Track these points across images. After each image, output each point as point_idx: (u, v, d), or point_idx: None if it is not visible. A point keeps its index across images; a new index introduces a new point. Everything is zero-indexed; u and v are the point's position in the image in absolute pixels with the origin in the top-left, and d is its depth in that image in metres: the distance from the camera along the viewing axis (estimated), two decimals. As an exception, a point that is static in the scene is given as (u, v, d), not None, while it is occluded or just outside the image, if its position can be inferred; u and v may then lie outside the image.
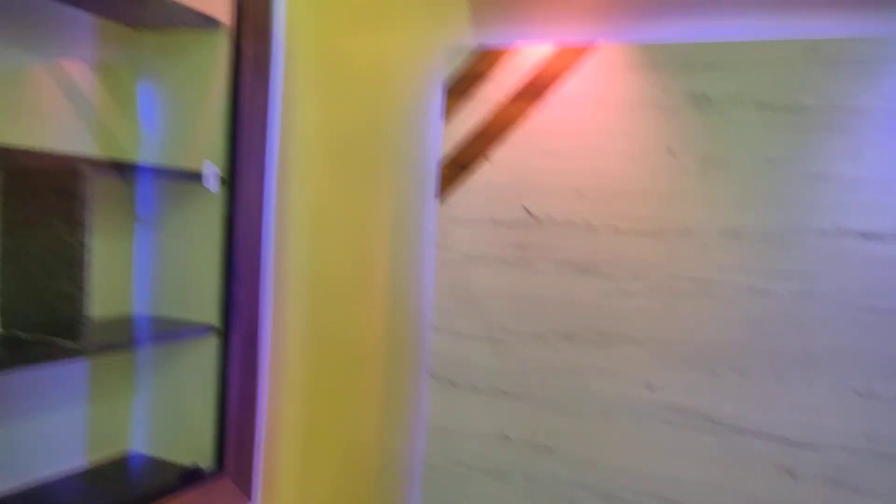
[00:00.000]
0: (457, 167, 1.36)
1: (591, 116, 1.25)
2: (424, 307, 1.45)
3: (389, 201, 1.49)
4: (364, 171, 1.51)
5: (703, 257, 1.16)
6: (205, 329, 1.41)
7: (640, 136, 1.21)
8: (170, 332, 1.36)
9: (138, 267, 1.50)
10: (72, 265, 1.07)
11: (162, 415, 1.45)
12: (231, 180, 1.41)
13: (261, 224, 1.50)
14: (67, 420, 1.29)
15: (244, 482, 1.44)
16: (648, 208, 1.20)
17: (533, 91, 1.29)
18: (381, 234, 1.50)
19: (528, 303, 1.30)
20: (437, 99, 1.43)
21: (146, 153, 1.48)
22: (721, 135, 1.14)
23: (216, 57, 1.40)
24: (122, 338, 1.25)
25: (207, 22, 1.37)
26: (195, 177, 1.39)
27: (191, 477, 1.31)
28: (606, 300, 1.24)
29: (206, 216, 1.43)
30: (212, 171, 1.40)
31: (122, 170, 1.33)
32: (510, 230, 1.32)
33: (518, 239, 1.31)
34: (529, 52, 1.29)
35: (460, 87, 1.35)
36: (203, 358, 1.45)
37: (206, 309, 1.44)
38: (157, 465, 1.39)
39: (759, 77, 1.12)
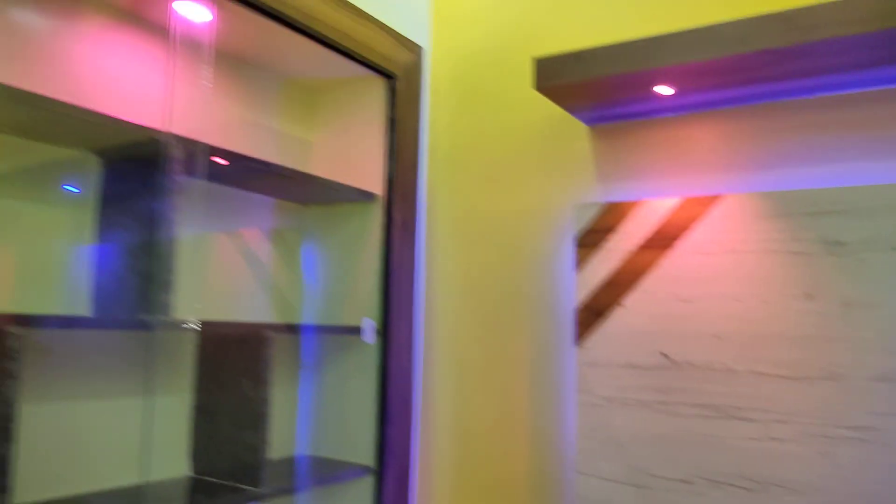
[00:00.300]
0: (592, 314, 1.43)
1: (722, 263, 1.29)
2: (567, 450, 1.48)
3: (528, 347, 1.58)
4: (503, 319, 1.62)
5: (856, 402, 1.13)
6: (362, 470, 1.52)
7: (774, 281, 1.23)
8: (333, 474, 1.48)
9: (301, 411, 1.66)
10: (256, 418, 1.23)
11: (323, 555, 1.54)
12: (385, 332, 1.56)
13: (411, 371, 1.63)
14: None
15: None
16: (791, 352, 1.20)
17: (662, 241, 1.36)
18: (521, 379, 1.58)
19: (671, 446, 1.30)
20: (568, 250, 1.53)
21: (312, 311, 1.68)
22: (860, 278, 1.14)
23: (371, 223, 1.61)
24: (292, 481, 1.37)
25: (365, 196, 1.58)
26: (354, 331, 1.56)
27: None
28: (755, 445, 1.22)
29: (363, 365, 1.58)
30: (369, 326, 1.56)
31: (294, 329, 1.52)
32: (649, 374, 1.35)
33: (658, 383, 1.34)
34: (655, 205, 1.38)
35: (591, 239, 1.44)
36: (359, 498, 1.55)
37: (362, 450, 1.56)
38: None
39: (893, 221, 1.12)
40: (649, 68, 1.18)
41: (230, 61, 1.47)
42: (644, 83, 1.25)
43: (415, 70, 1.67)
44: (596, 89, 1.29)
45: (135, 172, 1.17)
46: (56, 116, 0.99)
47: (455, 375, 1.69)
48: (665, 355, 1.33)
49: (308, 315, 1.69)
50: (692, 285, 1.32)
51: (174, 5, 1.20)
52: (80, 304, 1.20)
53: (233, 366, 1.33)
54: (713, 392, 1.27)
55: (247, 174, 1.37)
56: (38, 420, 1.11)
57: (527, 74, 1.65)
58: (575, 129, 1.55)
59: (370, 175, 1.62)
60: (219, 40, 1.15)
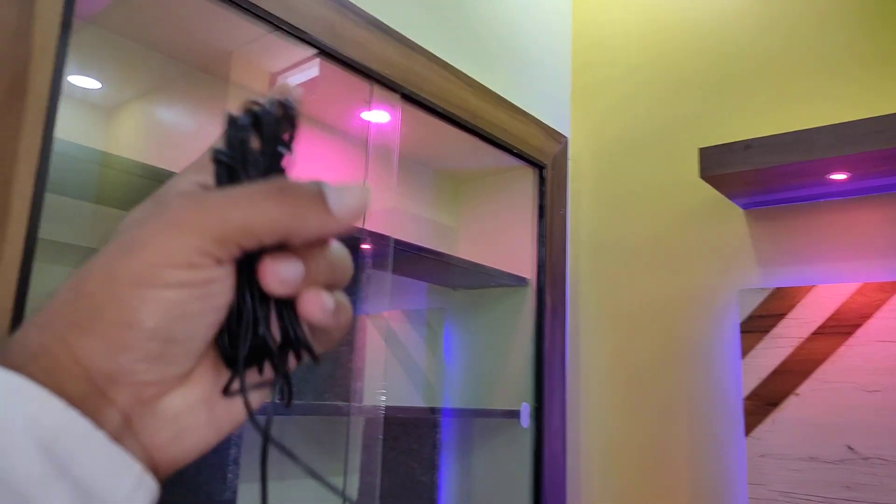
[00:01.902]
0: (763, 403, 1.38)
1: (911, 352, 1.23)
2: (741, 549, 1.41)
3: (688, 437, 1.53)
4: (658, 407, 1.59)
5: None
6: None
7: (975, 372, 1.16)
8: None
9: (449, 494, 1.66)
10: (419, 495, 1.24)
11: None
12: (538, 417, 1.56)
13: (564, 458, 1.61)
14: None
15: None
16: None
17: (839, 328, 1.31)
18: (681, 470, 1.53)
19: (866, 551, 1.22)
20: (732, 337, 1.50)
21: (463, 394, 1.70)
22: None
23: (523, 308, 1.64)
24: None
25: (518, 280, 1.62)
26: (509, 414, 1.57)
27: None
28: (968, 553, 1.12)
29: (516, 450, 1.58)
30: (525, 410, 1.57)
31: (455, 413, 1.55)
32: (834, 469, 1.28)
33: (844, 478, 1.27)
34: (830, 291, 1.34)
35: (757, 325, 1.41)
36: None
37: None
38: None
39: None
40: (826, 157, 1.18)
41: (386, 160, 1.58)
42: (818, 171, 1.25)
43: (561, 159, 1.73)
44: (764, 177, 1.29)
45: (326, 265, 1.26)
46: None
47: (607, 465, 1.66)
48: (851, 448, 1.27)
49: (459, 398, 1.71)
50: (878, 375, 1.26)
51: (363, 115, 1.31)
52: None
53: (404, 448, 1.36)
54: (911, 491, 1.20)
55: (404, 260, 1.44)
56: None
57: (672, 160, 1.67)
58: (730, 213, 1.55)
59: (520, 260, 1.66)
60: (382, 137, 1.25)
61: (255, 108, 0.31)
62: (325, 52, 1.13)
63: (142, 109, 1.16)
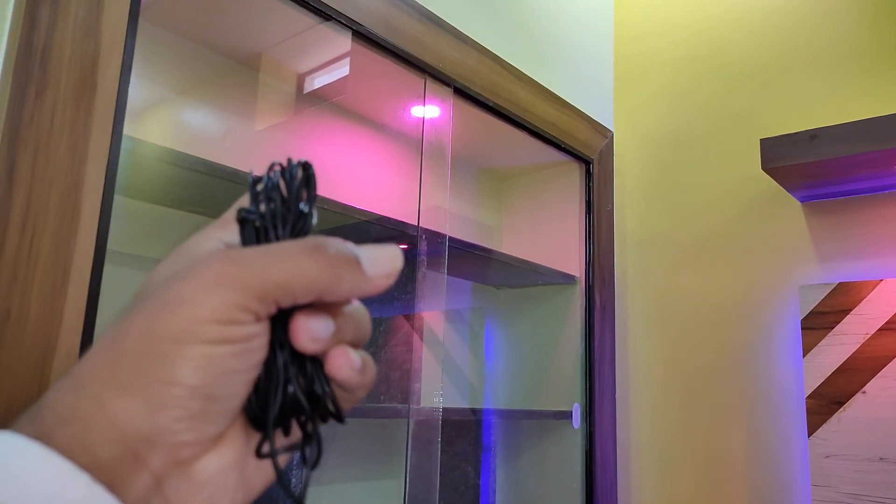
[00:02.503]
0: (827, 402, 1.34)
1: None
2: (806, 552, 1.37)
3: (745, 436, 1.49)
4: (713, 407, 1.55)
5: None
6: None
7: None
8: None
9: (504, 497, 1.63)
10: (472, 498, 1.21)
11: None
12: (589, 417, 1.53)
13: (615, 459, 1.58)
14: None
15: None
16: None
17: (909, 323, 1.27)
18: (738, 471, 1.49)
19: (943, 555, 1.17)
20: (793, 334, 1.46)
21: (511, 395, 1.66)
22: None
23: (571, 306, 1.60)
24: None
25: (566, 278, 1.59)
26: (559, 415, 1.54)
27: None
28: None
29: (567, 451, 1.55)
30: (576, 411, 1.53)
31: (505, 414, 1.52)
32: (905, 470, 1.23)
33: (917, 480, 1.22)
34: (895, 285, 1.30)
35: (820, 322, 1.37)
36: None
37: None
38: None
39: None
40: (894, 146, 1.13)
41: (438, 157, 1.55)
42: (886, 161, 1.20)
43: (607, 154, 1.69)
44: (830, 168, 1.25)
45: (380, 264, 1.23)
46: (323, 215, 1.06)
47: (660, 467, 1.62)
48: (924, 449, 1.22)
49: (507, 398, 1.68)
50: (952, 372, 1.22)
51: (415, 110, 1.28)
52: (321, 390, 1.25)
53: (457, 451, 1.34)
54: None
55: (451, 258, 1.42)
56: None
57: (723, 153, 1.63)
58: (787, 207, 1.51)
59: (567, 258, 1.63)
60: (433, 133, 1.22)
61: (279, 169, 0.32)
62: (380, 45, 1.10)
63: (171, 110, 1.14)
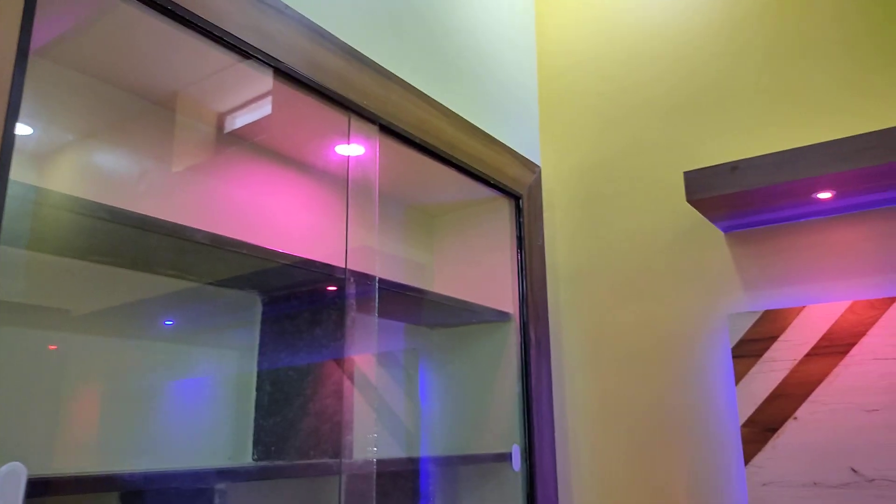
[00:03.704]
0: (761, 429, 1.35)
1: (908, 369, 1.22)
2: (751, 584, 1.36)
3: (684, 468, 1.49)
4: (652, 440, 1.54)
5: None
6: None
7: (974, 386, 1.15)
8: None
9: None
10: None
11: None
12: (529, 458, 1.49)
13: (556, 496, 1.54)
14: None
15: None
16: None
17: (833, 348, 1.30)
18: (679, 500, 1.48)
19: (880, 577, 1.18)
20: (724, 362, 1.47)
21: (447, 439, 1.61)
22: None
23: (507, 343, 1.57)
24: None
25: (501, 316, 1.56)
26: (499, 458, 1.49)
27: None
28: None
29: (507, 496, 1.50)
30: (516, 452, 1.49)
31: (444, 461, 1.46)
32: (838, 493, 1.25)
33: (849, 503, 1.24)
34: (821, 311, 1.33)
35: (749, 350, 1.39)
36: None
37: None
38: None
39: None
40: (815, 175, 1.17)
41: (364, 195, 1.51)
42: (805, 191, 1.24)
43: (536, 188, 1.69)
44: (751, 198, 1.28)
45: (303, 308, 1.17)
46: (231, 257, 1.00)
47: (601, 503, 1.59)
48: (855, 471, 1.24)
49: (444, 443, 1.62)
50: (876, 394, 1.25)
51: (337, 148, 1.24)
52: (245, 447, 1.17)
53: (389, 502, 1.27)
54: (921, 512, 1.17)
55: (381, 299, 1.37)
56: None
57: (648, 185, 1.65)
58: (710, 237, 1.53)
59: (501, 295, 1.60)
60: (359, 171, 1.18)
61: None
62: (303, 83, 1.06)
63: (79, 153, 1.05)
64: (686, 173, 1.30)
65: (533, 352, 1.56)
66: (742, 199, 1.29)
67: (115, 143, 1.05)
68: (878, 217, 1.35)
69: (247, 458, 1.16)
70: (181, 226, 0.82)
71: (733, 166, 1.25)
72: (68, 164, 1.01)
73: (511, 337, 1.58)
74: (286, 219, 1.30)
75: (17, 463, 0.62)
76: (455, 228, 1.73)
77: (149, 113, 1.11)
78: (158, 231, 0.79)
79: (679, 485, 1.48)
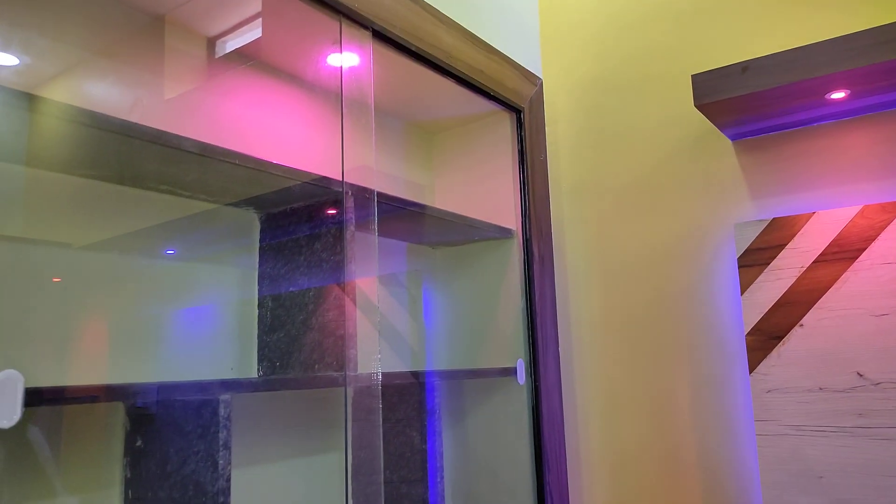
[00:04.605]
0: (766, 337, 1.34)
1: (918, 272, 1.20)
2: (748, 486, 1.39)
3: (689, 377, 1.49)
4: (657, 351, 1.54)
5: None
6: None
7: None
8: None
9: (448, 459, 1.59)
10: (418, 464, 1.17)
11: None
12: (534, 372, 1.50)
13: (562, 411, 1.56)
14: None
15: None
16: None
17: (842, 254, 1.28)
18: (684, 412, 1.49)
19: (881, 473, 1.20)
20: (730, 272, 1.45)
21: (453, 355, 1.61)
22: None
23: (510, 260, 1.56)
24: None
25: (503, 232, 1.54)
26: (505, 372, 1.50)
27: None
28: None
29: (512, 408, 1.51)
30: (521, 366, 1.50)
31: (452, 375, 1.47)
32: (844, 397, 1.25)
33: (855, 406, 1.24)
34: (830, 216, 1.30)
35: (756, 259, 1.37)
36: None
37: (522, 498, 1.48)
38: None
39: None
40: (829, 73, 1.12)
41: (360, 108, 1.46)
42: (819, 90, 1.19)
43: (538, 102, 1.64)
44: (762, 101, 1.23)
45: (301, 225, 1.14)
46: (225, 171, 0.97)
47: (607, 416, 1.61)
48: (861, 375, 1.24)
49: (450, 360, 1.63)
50: (885, 298, 1.23)
51: (332, 58, 1.19)
52: (250, 365, 1.17)
53: (401, 416, 1.28)
54: (925, 412, 1.17)
55: (382, 218, 1.34)
56: (248, 485, 1.07)
57: (653, 93, 1.60)
58: (719, 145, 1.49)
59: (503, 211, 1.58)
60: (353, 83, 1.13)
61: None
62: (288, -16, 1.00)
63: (68, 87, 1.01)
64: (694, 76, 1.25)
65: (536, 267, 1.55)
66: (753, 102, 1.24)
67: (106, 60, 1.01)
68: (891, 119, 1.30)
69: (252, 375, 1.17)
70: (167, 133, 0.79)
71: (744, 67, 1.20)
72: (61, 78, 0.97)
73: (514, 253, 1.56)
74: (280, 134, 1.26)
75: (13, 370, 0.62)
76: (455, 145, 1.69)
77: (137, 28, 1.06)
78: (143, 138, 0.76)
79: (683, 394, 1.49)
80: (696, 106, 1.25)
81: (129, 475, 0.95)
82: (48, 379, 0.89)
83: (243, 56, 1.20)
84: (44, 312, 0.89)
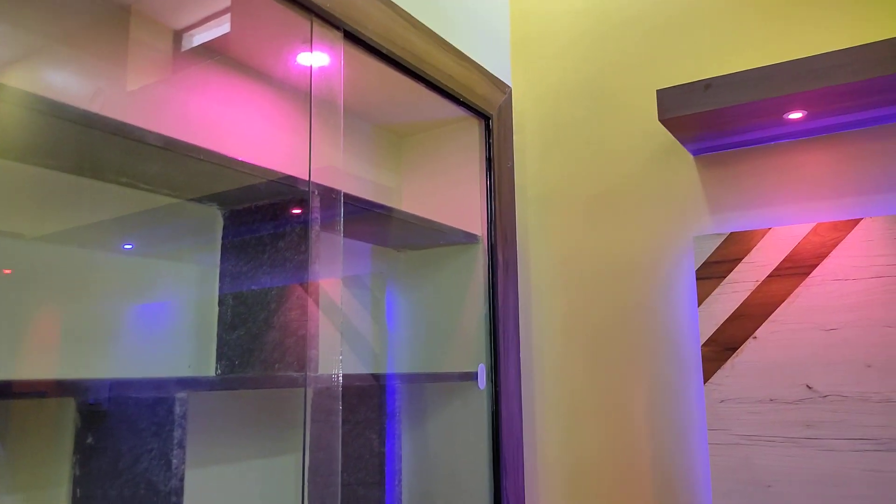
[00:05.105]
0: (721, 348, 1.37)
1: (867, 289, 1.24)
2: (699, 494, 1.42)
3: (646, 386, 1.52)
4: (615, 359, 1.57)
5: None
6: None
7: (928, 304, 1.18)
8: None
9: (411, 461, 1.59)
10: (376, 467, 1.17)
11: None
12: (494, 377, 1.51)
13: (521, 417, 1.57)
14: None
15: None
16: (957, 378, 1.15)
17: (795, 269, 1.31)
18: (640, 420, 1.52)
19: (828, 485, 1.24)
20: (687, 284, 1.49)
21: (414, 359, 1.62)
22: None
23: (474, 265, 1.57)
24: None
25: (469, 237, 1.55)
26: (465, 377, 1.50)
27: None
28: (925, 480, 1.15)
29: (472, 413, 1.52)
30: (482, 371, 1.51)
31: (412, 378, 1.47)
32: (793, 409, 1.29)
33: (803, 417, 1.28)
34: (785, 233, 1.34)
35: (713, 271, 1.40)
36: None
37: (479, 499, 1.49)
38: None
39: None
40: (790, 93, 1.15)
41: (329, 108, 1.46)
42: (778, 110, 1.22)
43: (506, 109, 1.65)
44: (724, 118, 1.26)
45: (265, 223, 1.14)
46: (192, 168, 0.96)
47: (565, 420, 1.63)
48: (810, 387, 1.28)
49: (412, 363, 1.63)
50: (835, 313, 1.27)
51: (301, 57, 1.18)
52: (208, 363, 1.15)
53: (361, 419, 1.28)
54: (869, 424, 1.21)
55: (347, 220, 1.34)
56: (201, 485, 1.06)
57: (618, 106, 1.63)
58: (681, 159, 1.52)
59: (469, 217, 1.58)
60: (323, 83, 1.13)
61: None
62: (260, -19, 0.99)
63: (25, 74, 0.99)
64: (659, 91, 1.27)
65: (500, 273, 1.56)
66: (714, 119, 1.27)
67: (67, 48, 0.99)
68: (845, 140, 1.35)
69: (210, 373, 1.15)
70: (130, 125, 0.78)
71: (707, 84, 1.23)
72: (20, 65, 0.95)
73: (479, 259, 1.57)
74: (247, 132, 1.25)
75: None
76: (423, 149, 1.69)
77: (101, 17, 1.04)
78: (104, 129, 0.74)
79: (640, 402, 1.52)
80: (660, 120, 1.28)
81: (78, 473, 0.93)
82: (-4, 372, 0.86)
83: (210, 51, 1.19)
84: (-6, 304, 0.86)
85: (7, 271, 0.89)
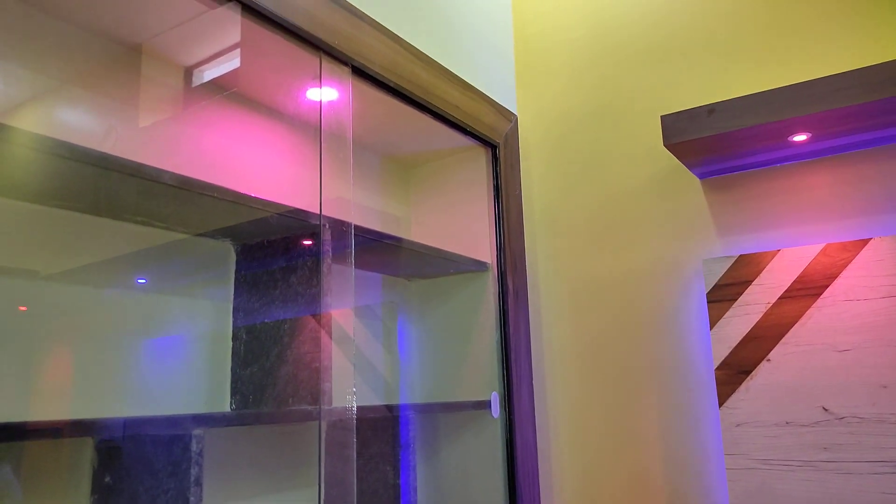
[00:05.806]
0: (735, 371, 1.37)
1: (880, 309, 1.24)
2: (723, 520, 1.40)
3: (660, 411, 1.51)
4: (628, 384, 1.56)
5: None
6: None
7: (942, 323, 1.18)
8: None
9: (425, 492, 1.57)
10: (391, 499, 1.16)
11: None
12: (508, 405, 1.50)
13: (535, 444, 1.56)
14: None
15: None
16: (975, 397, 1.14)
17: (806, 290, 1.31)
18: (654, 445, 1.51)
19: (847, 510, 1.22)
20: (698, 307, 1.48)
21: (426, 388, 1.61)
22: None
23: (485, 293, 1.57)
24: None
25: (478, 265, 1.55)
26: (478, 405, 1.50)
27: None
28: (948, 502, 1.14)
29: (486, 441, 1.51)
30: (495, 399, 1.50)
31: (424, 409, 1.46)
32: (809, 431, 1.28)
33: (820, 440, 1.27)
34: (794, 254, 1.34)
35: (724, 294, 1.40)
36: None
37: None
38: None
39: None
40: (792, 117, 1.16)
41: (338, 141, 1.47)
42: (781, 133, 1.23)
43: (513, 137, 1.67)
44: (728, 142, 1.27)
45: (278, 257, 1.15)
46: (205, 204, 0.97)
47: (579, 448, 1.62)
48: (826, 409, 1.27)
49: (424, 393, 1.63)
50: (847, 334, 1.27)
51: (311, 92, 1.20)
52: (222, 398, 1.16)
53: (376, 451, 1.28)
54: (887, 446, 1.20)
55: (358, 251, 1.35)
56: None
57: (624, 132, 1.64)
58: (687, 183, 1.53)
59: (478, 245, 1.59)
60: (332, 117, 1.15)
61: None
62: (271, 21, 1.02)
63: (39, 114, 1.01)
64: (663, 117, 1.29)
65: (510, 300, 1.56)
66: (719, 143, 1.28)
67: (81, 89, 1.01)
68: (851, 161, 1.36)
69: (225, 409, 1.15)
70: (146, 166, 0.79)
71: (710, 109, 1.24)
72: (34, 106, 0.97)
73: (489, 287, 1.57)
74: (258, 168, 1.27)
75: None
76: (431, 179, 1.71)
77: (113, 57, 1.06)
78: (122, 171, 0.76)
79: (654, 427, 1.51)
80: (665, 145, 1.29)
81: (95, 512, 0.93)
82: (11, 413, 0.87)
83: (221, 87, 1.21)
84: (8, 342, 0.87)
85: (23, 308, 0.91)
